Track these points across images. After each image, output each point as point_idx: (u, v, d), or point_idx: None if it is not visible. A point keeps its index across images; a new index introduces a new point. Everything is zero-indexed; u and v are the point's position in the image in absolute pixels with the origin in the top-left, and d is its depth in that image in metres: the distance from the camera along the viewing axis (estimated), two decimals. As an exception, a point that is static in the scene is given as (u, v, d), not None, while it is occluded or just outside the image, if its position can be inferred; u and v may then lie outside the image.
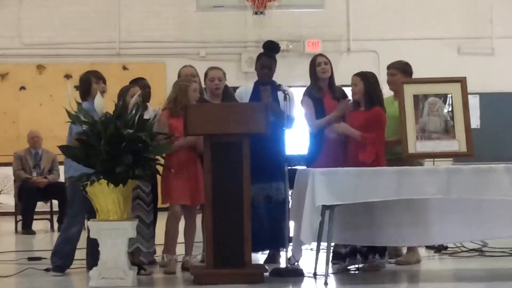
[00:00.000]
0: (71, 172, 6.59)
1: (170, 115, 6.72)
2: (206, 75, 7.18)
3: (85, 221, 6.90)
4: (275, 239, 7.07)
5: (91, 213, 6.42)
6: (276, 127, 6.80)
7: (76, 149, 6.08)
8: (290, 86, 7.31)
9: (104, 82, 6.86)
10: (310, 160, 6.98)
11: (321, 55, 7.30)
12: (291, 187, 6.69)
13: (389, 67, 7.27)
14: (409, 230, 6.63)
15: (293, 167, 6.96)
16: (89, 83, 6.77)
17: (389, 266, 6.82)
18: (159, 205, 7.17)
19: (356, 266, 6.68)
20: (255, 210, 6.37)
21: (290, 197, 6.80)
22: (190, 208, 6.78)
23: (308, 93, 7.07)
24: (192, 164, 6.68)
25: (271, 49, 7.38)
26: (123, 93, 6.76)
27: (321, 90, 7.06)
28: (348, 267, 6.66)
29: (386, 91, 7.12)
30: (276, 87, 7.10)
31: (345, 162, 6.58)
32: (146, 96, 7.21)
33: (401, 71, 7.16)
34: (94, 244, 6.39)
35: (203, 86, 7.30)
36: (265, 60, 7.31)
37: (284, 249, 6.76)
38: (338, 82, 7.28)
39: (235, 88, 7.62)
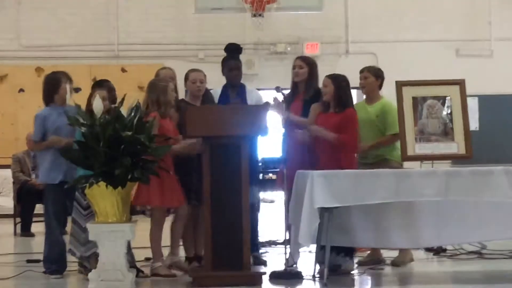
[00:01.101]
0: (41, 177, 6.62)
1: (160, 117, 6.67)
2: (187, 76, 7.15)
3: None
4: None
5: (67, 213, 6.51)
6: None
7: (74, 151, 6.08)
8: (288, 89, 7.30)
9: (72, 82, 6.81)
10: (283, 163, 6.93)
11: (299, 58, 7.32)
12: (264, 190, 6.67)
13: (362, 71, 7.31)
14: (408, 232, 6.63)
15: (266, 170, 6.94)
16: (58, 83, 6.72)
17: (386, 267, 6.85)
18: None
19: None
20: None
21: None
22: (176, 209, 6.74)
23: (285, 98, 7.09)
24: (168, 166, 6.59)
25: (234, 51, 7.40)
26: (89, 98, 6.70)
27: (297, 92, 7.10)
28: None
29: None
30: (244, 89, 7.16)
31: (312, 165, 6.56)
32: (112, 99, 7.05)
33: (373, 75, 7.21)
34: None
35: (185, 88, 7.27)
36: (231, 62, 7.33)
37: (254, 253, 6.82)
38: (337, 83, 7.27)
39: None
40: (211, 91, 7.42)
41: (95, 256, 6.34)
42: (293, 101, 7.06)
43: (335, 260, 6.52)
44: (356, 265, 6.85)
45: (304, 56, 7.45)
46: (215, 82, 7.71)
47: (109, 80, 7.31)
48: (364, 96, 7.35)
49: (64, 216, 6.69)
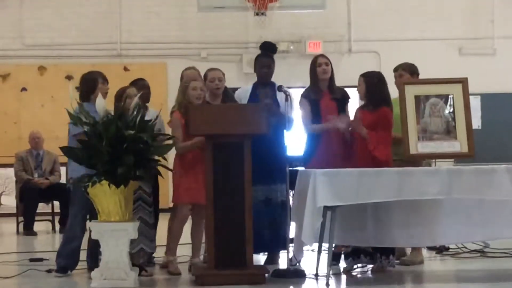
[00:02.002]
0: (72, 173, 6.60)
1: (181, 116, 6.72)
2: (205, 76, 7.18)
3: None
4: (274, 241, 7.09)
5: (92, 214, 6.43)
6: (276, 128, 6.81)
7: (77, 150, 6.08)
8: (291, 87, 7.32)
9: (107, 83, 6.87)
10: (307, 161, 6.99)
11: (322, 55, 7.28)
12: (292, 188, 6.69)
13: (396, 69, 7.26)
14: (411, 231, 6.62)
15: (294, 168, 6.95)
16: (95, 83, 6.75)
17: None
18: (164, 205, 7.18)
19: (360, 265, 6.67)
20: (255, 212, 6.37)
21: (292, 198, 6.80)
22: (198, 208, 6.77)
23: (305, 95, 7.06)
24: (200, 164, 6.65)
25: (268, 49, 7.40)
26: (121, 95, 6.76)
27: (320, 91, 7.05)
28: (353, 267, 6.66)
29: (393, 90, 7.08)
30: (276, 88, 7.11)
31: (345, 159, 6.58)
32: (145, 97, 7.21)
33: (408, 72, 7.17)
34: (93, 245, 6.42)
35: None
36: (263, 60, 7.33)
37: (284, 251, 6.77)
38: (339, 83, 7.27)
39: (234, 89, 7.62)
40: (239, 89, 7.44)
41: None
42: (320, 99, 7.01)
43: (378, 262, 6.59)
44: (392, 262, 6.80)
45: (324, 54, 7.42)
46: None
47: (144, 79, 7.47)
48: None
49: (90, 214, 6.65)
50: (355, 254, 6.63)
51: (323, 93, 7.04)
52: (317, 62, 7.06)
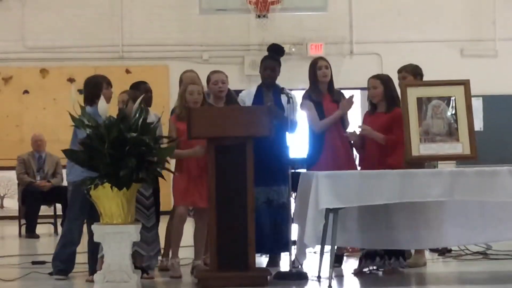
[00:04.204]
0: (73, 177, 6.60)
1: (177, 119, 6.73)
2: (209, 79, 7.17)
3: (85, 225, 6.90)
4: (276, 243, 7.08)
5: (91, 217, 6.43)
6: (279, 130, 6.81)
7: (79, 152, 6.08)
8: (292, 89, 7.32)
9: (111, 87, 6.88)
10: (310, 163, 7.01)
11: (322, 58, 7.30)
12: (294, 190, 6.69)
13: (400, 71, 7.32)
14: (414, 233, 6.62)
15: (296, 170, 6.96)
16: (99, 87, 6.76)
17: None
18: (167, 208, 7.18)
19: (372, 268, 6.67)
20: (256, 214, 6.37)
21: (293, 200, 6.80)
22: (200, 212, 6.77)
23: (307, 96, 7.08)
24: (201, 167, 6.65)
25: (275, 51, 7.39)
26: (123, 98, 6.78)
27: (321, 93, 7.07)
28: (364, 269, 6.66)
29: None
30: (279, 91, 7.11)
31: (349, 164, 6.62)
32: (147, 100, 7.19)
33: (412, 74, 7.20)
34: (94, 248, 6.42)
35: (206, 90, 7.29)
36: (268, 62, 7.33)
37: (285, 252, 6.77)
38: (341, 85, 7.29)
39: (237, 92, 7.62)
40: (243, 91, 7.45)
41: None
42: (323, 101, 7.03)
43: (389, 265, 6.61)
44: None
45: (323, 57, 7.44)
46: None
47: (146, 82, 7.44)
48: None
49: (89, 218, 6.65)
50: (369, 256, 6.62)
51: (324, 96, 7.06)
52: (317, 65, 7.08)
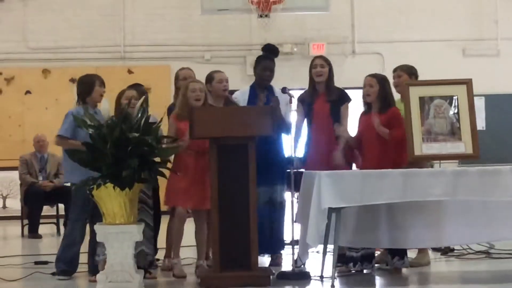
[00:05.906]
0: (70, 177, 6.62)
1: (177, 119, 6.73)
2: (212, 78, 7.16)
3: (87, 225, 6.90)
4: (272, 242, 7.09)
5: (93, 217, 6.44)
6: (277, 129, 6.82)
7: (82, 153, 6.08)
8: (294, 89, 7.31)
9: (104, 86, 6.89)
10: (304, 162, 7.05)
11: (319, 57, 7.28)
12: (297, 189, 6.68)
13: (395, 70, 7.32)
14: (417, 232, 6.63)
15: (298, 170, 6.96)
16: (92, 86, 6.78)
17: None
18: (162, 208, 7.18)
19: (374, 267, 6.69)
20: (259, 213, 6.37)
21: (296, 199, 6.80)
22: (199, 213, 6.77)
23: (301, 99, 7.11)
24: (200, 169, 6.66)
25: (271, 51, 7.38)
26: (120, 97, 6.79)
27: (316, 92, 7.07)
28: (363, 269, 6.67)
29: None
30: (274, 91, 7.15)
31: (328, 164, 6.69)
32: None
33: (407, 73, 7.20)
34: (94, 248, 6.44)
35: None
36: (267, 63, 7.31)
37: (280, 252, 6.77)
38: (343, 84, 7.27)
39: (232, 92, 7.59)
40: (237, 91, 7.47)
41: None
42: (315, 101, 7.04)
43: (391, 264, 6.65)
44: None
45: (323, 55, 7.43)
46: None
47: (142, 84, 7.43)
48: (400, 95, 7.26)
49: (90, 218, 6.66)
50: (365, 259, 6.63)
51: (319, 95, 7.05)
52: (313, 63, 7.09)
